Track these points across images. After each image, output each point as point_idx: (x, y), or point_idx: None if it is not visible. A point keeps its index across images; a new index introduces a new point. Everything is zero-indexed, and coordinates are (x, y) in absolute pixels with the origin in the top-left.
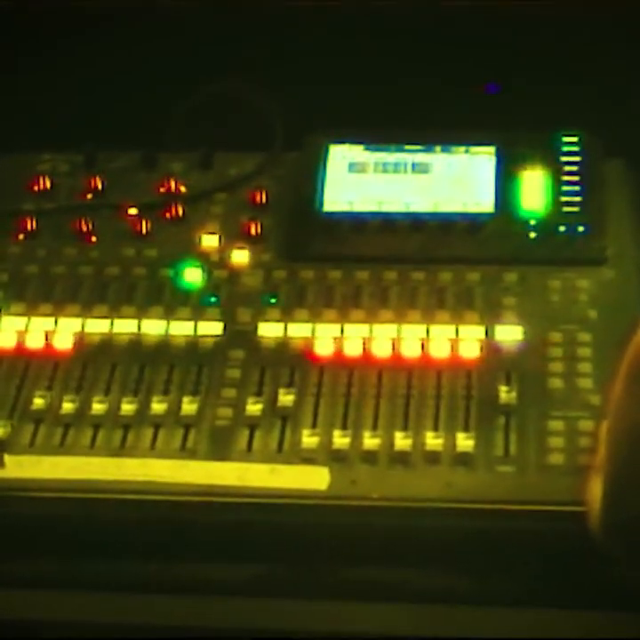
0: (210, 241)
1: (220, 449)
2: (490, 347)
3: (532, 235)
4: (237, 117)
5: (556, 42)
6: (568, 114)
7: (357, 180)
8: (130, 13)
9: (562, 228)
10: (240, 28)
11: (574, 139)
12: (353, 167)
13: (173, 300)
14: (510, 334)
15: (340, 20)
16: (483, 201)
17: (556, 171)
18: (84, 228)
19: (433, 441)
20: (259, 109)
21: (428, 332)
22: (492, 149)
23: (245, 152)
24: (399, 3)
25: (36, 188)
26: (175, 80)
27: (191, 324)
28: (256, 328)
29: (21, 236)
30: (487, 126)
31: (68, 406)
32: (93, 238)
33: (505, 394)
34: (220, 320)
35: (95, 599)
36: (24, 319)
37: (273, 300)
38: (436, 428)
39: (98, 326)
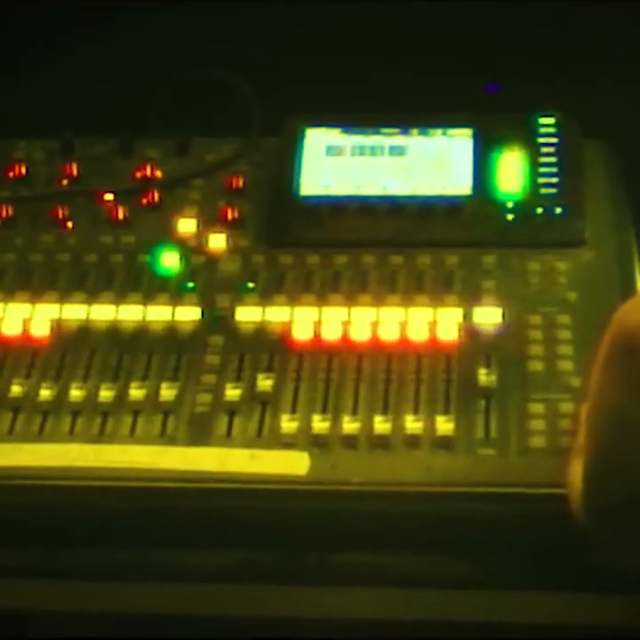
0: (187, 226)
1: (199, 435)
2: (469, 330)
3: (510, 217)
4: (215, 103)
5: (532, 23)
6: (545, 95)
7: (334, 164)
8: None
9: (540, 211)
10: (218, 14)
11: (551, 120)
12: (330, 150)
13: (151, 287)
14: (489, 317)
15: (317, 5)
16: (460, 183)
17: (534, 153)
18: (61, 215)
19: (413, 425)
20: (237, 94)
21: (406, 315)
22: (469, 131)
23: (223, 137)
24: None
25: (11, 174)
26: (152, 67)
27: (169, 309)
28: (234, 313)
29: None
30: (464, 109)
31: (46, 394)
32: (70, 225)
33: (485, 377)
34: (197, 306)
35: (77, 587)
36: (1, 306)
37: (251, 285)
38: (415, 412)
39: (75, 313)
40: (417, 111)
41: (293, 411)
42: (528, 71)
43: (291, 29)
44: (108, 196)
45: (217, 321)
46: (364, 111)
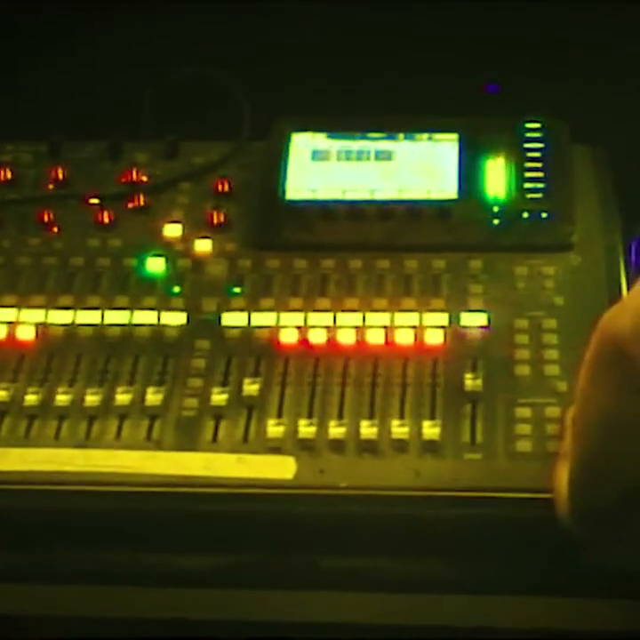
0: (173, 230)
1: (185, 439)
2: (456, 334)
3: (497, 221)
4: (204, 106)
5: (519, 28)
6: (532, 100)
7: (321, 168)
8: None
9: (526, 215)
10: (208, 17)
11: (537, 125)
12: (316, 155)
13: (137, 290)
14: (476, 321)
15: (306, 9)
16: (447, 188)
17: (520, 157)
18: (48, 219)
19: (399, 429)
20: (226, 98)
21: (393, 319)
22: (455, 136)
23: (212, 141)
24: None
25: None
26: (141, 70)
27: (155, 313)
28: (220, 317)
29: None
30: (450, 112)
31: (32, 398)
32: (56, 229)
33: (471, 381)
34: (184, 310)
35: (65, 591)
36: None
37: (237, 290)
38: (402, 416)
39: (62, 317)
40: (406, 113)
41: (280, 415)
42: (516, 76)
43: (280, 32)
44: (95, 200)
45: (208, 323)
46: (354, 113)
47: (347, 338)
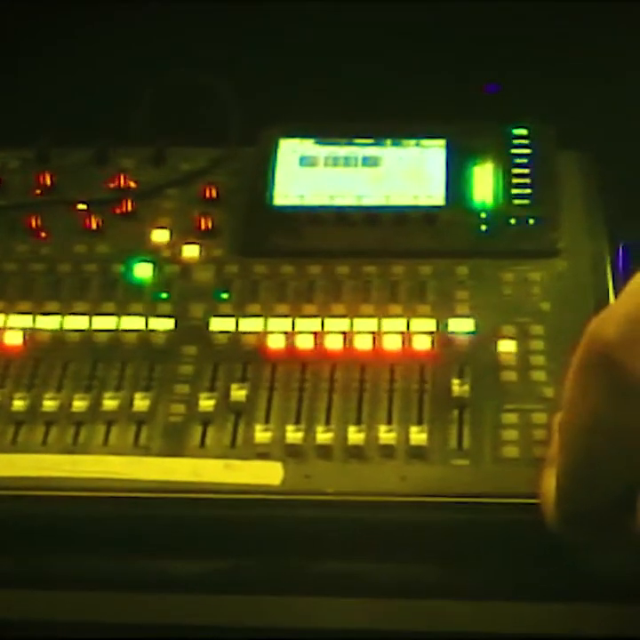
0: (161, 236)
1: (173, 445)
2: (443, 340)
3: (484, 227)
4: (192, 112)
5: (504, 32)
6: (519, 105)
7: (308, 174)
8: (81, 4)
9: (513, 221)
10: (197, 23)
11: (525, 130)
12: (304, 161)
13: (125, 296)
14: (463, 327)
15: (291, 12)
16: (434, 194)
17: (507, 163)
18: (35, 225)
19: (386, 435)
20: (215, 103)
21: (380, 325)
22: (442, 142)
23: (200, 147)
24: None
25: None
26: (126, 76)
27: (142, 319)
28: (208, 323)
29: None
30: (438, 117)
31: (19, 404)
32: (44, 234)
33: (458, 387)
34: (171, 316)
35: (52, 596)
36: None
37: (225, 295)
38: (389, 422)
39: (49, 323)
40: (394, 117)
41: (267, 421)
42: (503, 80)
43: (268, 38)
44: (82, 206)
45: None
46: (343, 119)
47: (334, 343)
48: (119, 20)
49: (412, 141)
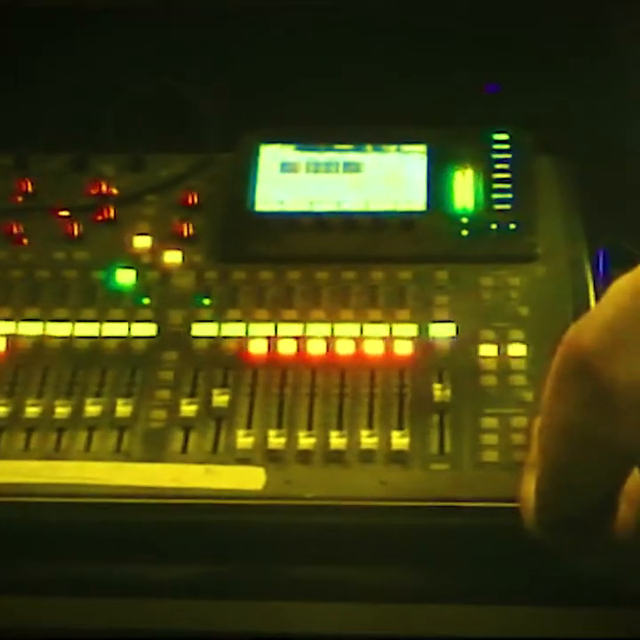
0: (142, 242)
1: (154, 450)
2: (422, 345)
3: (464, 232)
4: (170, 118)
5: (482, 37)
6: (498, 110)
7: (289, 180)
8: (58, 12)
9: (493, 226)
10: (173, 28)
11: (504, 136)
12: (284, 167)
13: (106, 302)
14: (443, 332)
15: (269, 19)
16: (414, 199)
17: (487, 168)
18: (16, 231)
19: (367, 440)
20: (192, 109)
21: (361, 330)
22: (423, 148)
23: (178, 153)
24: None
25: None
26: (105, 81)
27: (124, 325)
28: (189, 329)
29: None
30: (418, 122)
31: (0, 410)
32: (25, 241)
33: (438, 391)
34: (152, 321)
35: (33, 603)
36: None
37: (205, 301)
38: (370, 427)
39: (30, 329)
40: (374, 122)
41: (249, 426)
42: (480, 86)
43: (244, 43)
44: (63, 213)
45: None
46: (322, 124)
47: (315, 349)
48: (97, 29)
49: (393, 147)
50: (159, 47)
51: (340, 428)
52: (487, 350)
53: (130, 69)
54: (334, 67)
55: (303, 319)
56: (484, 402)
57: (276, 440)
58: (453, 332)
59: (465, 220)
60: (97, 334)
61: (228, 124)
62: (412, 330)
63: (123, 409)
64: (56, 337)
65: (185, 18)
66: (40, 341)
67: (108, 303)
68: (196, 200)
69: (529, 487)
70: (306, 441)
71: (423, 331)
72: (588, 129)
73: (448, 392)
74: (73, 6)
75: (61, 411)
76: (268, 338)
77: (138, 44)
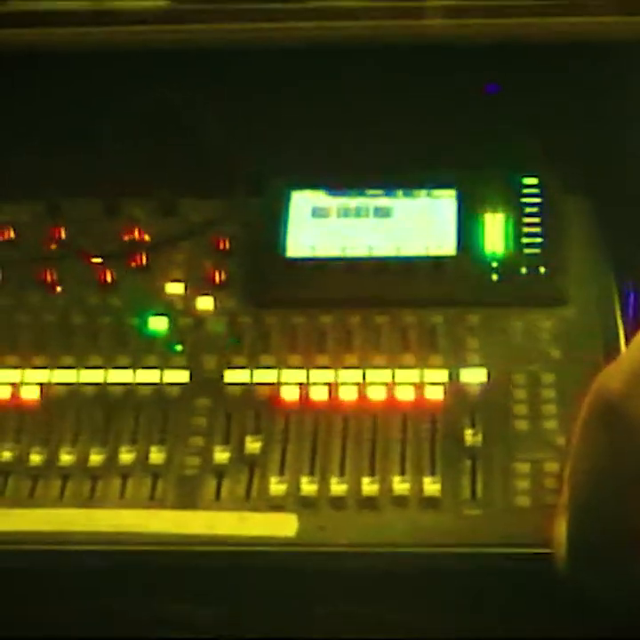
0: (174, 288)
1: (188, 497)
2: (454, 389)
3: (495, 276)
4: (200, 162)
5: (512, 82)
6: (527, 153)
7: (320, 225)
8: (94, 58)
9: (523, 270)
10: (204, 74)
11: (534, 179)
12: (315, 212)
13: (139, 349)
14: (474, 376)
15: (299, 66)
16: (445, 243)
17: (517, 212)
18: (49, 278)
19: (400, 485)
20: (223, 153)
21: (392, 375)
22: (452, 192)
23: (208, 198)
24: (356, 48)
25: None
26: (136, 126)
27: (157, 372)
28: (222, 375)
29: None
30: (447, 165)
31: (36, 458)
32: (58, 288)
33: (470, 436)
34: (185, 368)
35: None
36: None
37: (238, 347)
38: (402, 472)
39: (64, 376)
40: (404, 165)
41: (281, 472)
42: (511, 129)
43: (275, 90)
44: (96, 259)
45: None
46: (351, 168)
47: (347, 394)
48: (126, 73)
49: (423, 192)
50: (188, 92)
51: (372, 473)
52: (518, 394)
53: (161, 115)
54: (361, 110)
55: (335, 365)
56: (515, 446)
57: (308, 486)
58: (485, 376)
59: (495, 263)
60: (130, 381)
61: (258, 167)
62: (443, 375)
63: (156, 456)
64: (90, 384)
65: (218, 64)
66: (74, 389)
67: (142, 350)
68: (227, 245)
69: (561, 529)
70: (338, 487)
71: (454, 375)
72: (618, 168)
73: (479, 436)
74: (106, 51)
75: (96, 458)
76: (301, 384)
77: (171, 89)
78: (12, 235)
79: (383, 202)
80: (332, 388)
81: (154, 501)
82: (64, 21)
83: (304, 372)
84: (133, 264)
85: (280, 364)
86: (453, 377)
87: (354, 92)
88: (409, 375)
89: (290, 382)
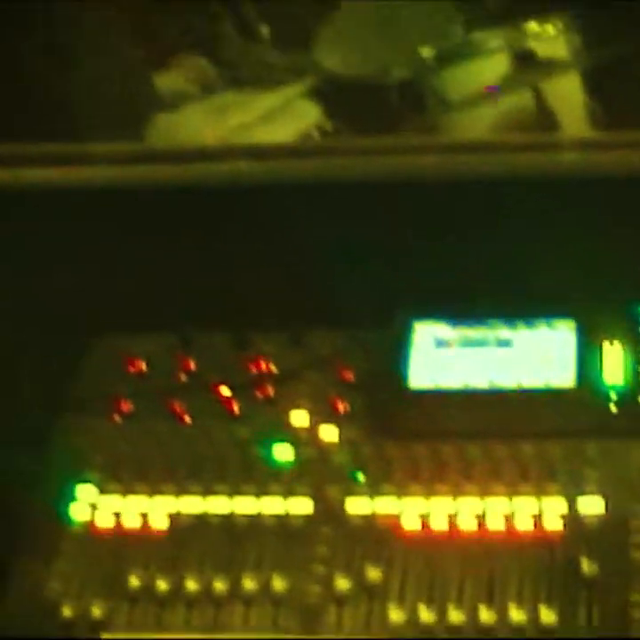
0: (299, 419)
1: (310, 625)
2: (572, 520)
3: (614, 408)
4: (326, 294)
5: (630, 212)
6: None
7: (442, 356)
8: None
9: None
10: (325, 210)
11: None
12: (439, 343)
13: (264, 478)
14: (592, 507)
15: (422, 199)
16: (564, 375)
17: (636, 341)
18: (178, 409)
19: (517, 615)
20: (345, 285)
21: (512, 505)
22: (572, 323)
23: (335, 329)
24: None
25: (131, 369)
26: (261, 258)
27: (282, 501)
28: (344, 504)
29: (117, 417)
30: (565, 294)
31: (162, 585)
32: (186, 418)
33: (587, 566)
34: (309, 497)
35: None
36: (121, 499)
37: (361, 477)
38: (520, 602)
39: (192, 506)
40: (523, 295)
41: (401, 601)
42: (626, 258)
43: (392, 223)
44: (225, 391)
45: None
46: (470, 298)
47: (467, 524)
48: (243, 209)
49: (543, 322)
50: (309, 231)
51: (489, 602)
52: (636, 525)
53: (285, 241)
54: (479, 241)
55: (456, 495)
56: (633, 576)
57: (427, 615)
58: (603, 508)
59: (614, 395)
60: (255, 510)
61: (380, 298)
62: (561, 506)
63: (279, 583)
64: (216, 514)
65: (333, 198)
66: (201, 517)
67: (267, 479)
68: (351, 376)
69: None
70: (456, 616)
71: (572, 506)
72: None
73: (596, 567)
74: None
75: (220, 586)
76: (421, 514)
77: (293, 229)
78: (144, 367)
79: (504, 333)
80: (452, 517)
81: (277, 628)
82: None
83: (424, 501)
84: (260, 395)
85: (401, 494)
86: (571, 507)
87: (468, 221)
88: (527, 505)
89: (411, 512)
